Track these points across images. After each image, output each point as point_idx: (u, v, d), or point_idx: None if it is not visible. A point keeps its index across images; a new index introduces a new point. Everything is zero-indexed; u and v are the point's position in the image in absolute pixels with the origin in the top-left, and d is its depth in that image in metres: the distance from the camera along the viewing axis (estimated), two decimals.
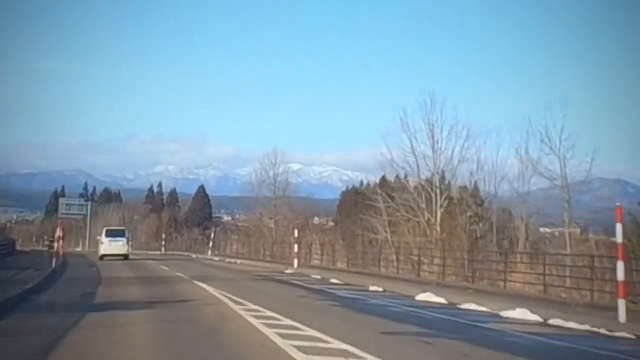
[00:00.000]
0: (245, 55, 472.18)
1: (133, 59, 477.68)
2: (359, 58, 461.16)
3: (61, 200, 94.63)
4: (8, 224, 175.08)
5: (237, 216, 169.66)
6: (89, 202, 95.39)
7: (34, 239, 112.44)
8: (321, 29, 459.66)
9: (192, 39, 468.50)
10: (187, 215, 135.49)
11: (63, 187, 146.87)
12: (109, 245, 39.36)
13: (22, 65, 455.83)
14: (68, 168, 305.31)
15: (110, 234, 40.47)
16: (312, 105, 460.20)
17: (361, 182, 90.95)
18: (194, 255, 49.71)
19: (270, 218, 59.53)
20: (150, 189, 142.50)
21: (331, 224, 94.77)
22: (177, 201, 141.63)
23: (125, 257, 38.96)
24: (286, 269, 31.04)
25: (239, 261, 38.16)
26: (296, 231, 37.20)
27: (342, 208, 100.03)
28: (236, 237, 66.76)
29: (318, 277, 26.32)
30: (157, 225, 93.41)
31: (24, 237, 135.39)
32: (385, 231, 38.78)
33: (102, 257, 38.53)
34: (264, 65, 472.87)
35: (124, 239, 40.50)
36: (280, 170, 59.58)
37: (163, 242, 64.45)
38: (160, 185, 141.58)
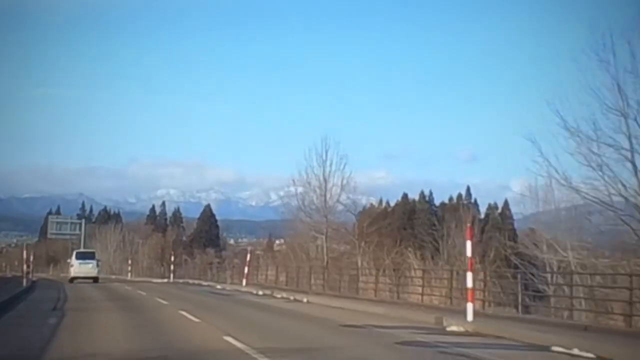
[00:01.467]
0: (242, 78, 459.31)
1: (133, 84, 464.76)
2: (362, 80, 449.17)
3: (50, 218, 79.62)
4: (7, 248, 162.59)
5: (242, 239, 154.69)
6: (83, 221, 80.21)
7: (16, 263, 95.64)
8: (322, 51, 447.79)
9: (193, 64, 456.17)
10: (192, 237, 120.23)
11: (59, 208, 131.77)
12: (78, 267, 37.38)
13: (23, 91, 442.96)
14: (69, 192, 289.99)
15: (80, 256, 38.36)
16: (314, 128, 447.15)
17: None
18: (218, 287, 34.73)
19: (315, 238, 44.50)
20: (152, 210, 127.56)
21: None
22: (182, 222, 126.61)
23: (95, 279, 36.66)
24: (442, 322, 15.31)
25: (305, 299, 23.10)
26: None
27: None
28: (260, 261, 51.76)
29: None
30: (161, 246, 78.22)
31: (19, 262, 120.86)
32: None
33: (72, 279, 36.31)
34: (263, 88, 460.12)
35: (94, 262, 38.50)
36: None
37: (171, 267, 49.00)
38: (163, 204, 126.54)
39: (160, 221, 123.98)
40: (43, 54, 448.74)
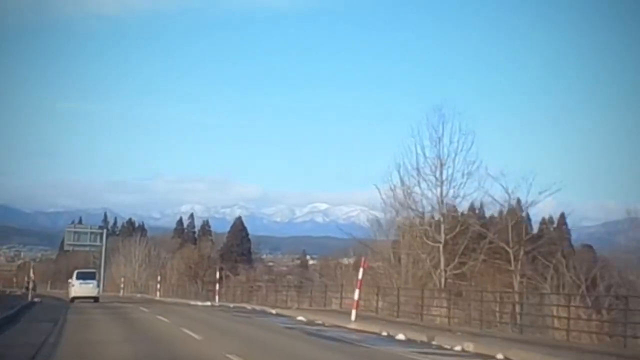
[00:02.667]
0: (269, 95, 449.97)
1: (158, 99, 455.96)
2: (386, 98, 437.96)
3: (68, 228, 67.97)
4: (32, 262, 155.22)
5: (266, 255, 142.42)
6: (104, 231, 68.60)
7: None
8: (344, 64, 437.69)
9: (219, 80, 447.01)
10: (221, 251, 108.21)
11: (80, 219, 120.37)
12: (79, 288, 36.03)
13: (48, 106, 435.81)
14: (94, 207, 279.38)
15: (81, 276, 37.24)
16: (338, 144, 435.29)
17: None
18: (318, 322, 21.86)
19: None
20: (180, 222, 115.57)
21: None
22: (211, 235, 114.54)
23: (95, 299, 35.42)
24: None
25: (499, 354, 10.80)
26: None
27: None
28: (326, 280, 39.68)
29: None
30: (194, 260, 66.14)
31: (39, 278, 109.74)
32: None
33: (73, 299, 35.21)
34: (289, 104, 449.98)
35: (95, 282, 37.57)
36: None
37: (217, 287, 37.00)
38: (191, 217, 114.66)
39: (188, 234, 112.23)
40: (68, 68, 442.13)
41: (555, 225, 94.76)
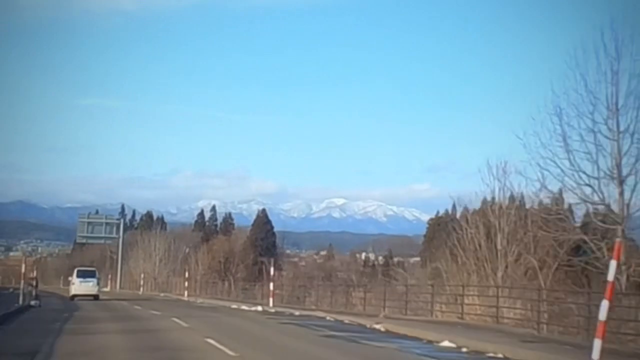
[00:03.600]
0: (286, 91, 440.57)
1: (176, 96, 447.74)
2: (405, 93, 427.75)
3: (80, 219, 58.98)
4: (49, 258, 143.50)
5: (288, 250, 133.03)
6: (121, 222, 59.65)
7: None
8: (365, 64, 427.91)
9: (236, 76, 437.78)
10: (244, 246, 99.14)
11: (97, 212, 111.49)
12: (79, 286, 35.45)
13: (68, 102, 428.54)
14: (111, 202, 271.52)
15: (81, 274, 36.43)
16: (357, 141, 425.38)
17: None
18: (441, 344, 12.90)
19: None
20: (200, 215, 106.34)
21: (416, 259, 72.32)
22: (233, 228, 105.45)
23: (95, 297, 34.82)
24: None
25: None
26: None
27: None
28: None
29: None
30: (225, 253, 57.08)
31: (53, 273, 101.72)
32: None
33: (73, 297, 34.84)
34: (307, 102, 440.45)
35: (95, 280, 36.27)
36: None
37: (271, 286, 27.55)
38: (214, 209, 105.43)
39: (209, 228, 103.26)
40: (87, 65, 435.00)
41: None
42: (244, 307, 26.89)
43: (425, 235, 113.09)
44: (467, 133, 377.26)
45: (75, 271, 38.34)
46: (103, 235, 57.80)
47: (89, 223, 57.46)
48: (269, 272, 45.61)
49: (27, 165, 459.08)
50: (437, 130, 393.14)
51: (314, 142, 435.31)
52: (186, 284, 38.56)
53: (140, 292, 48.51)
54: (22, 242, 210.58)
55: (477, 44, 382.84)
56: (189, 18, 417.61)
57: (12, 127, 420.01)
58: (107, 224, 57.90)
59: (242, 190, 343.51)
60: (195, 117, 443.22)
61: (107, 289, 61.35)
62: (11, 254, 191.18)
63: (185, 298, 36.22)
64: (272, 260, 34.48)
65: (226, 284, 47.50)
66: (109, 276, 64.21)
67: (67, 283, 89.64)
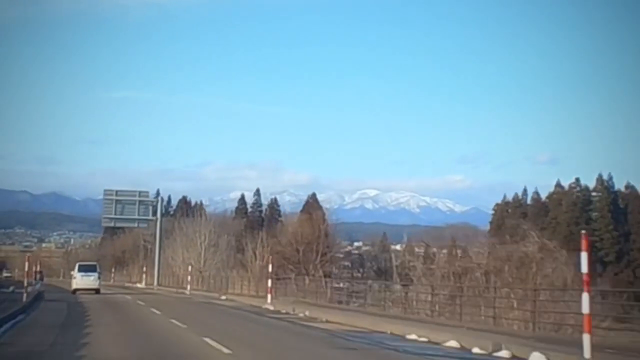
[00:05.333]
0: (321, 83, 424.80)
1: (209, 88, 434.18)
2: (438, 85, 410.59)
3: (106, 195, 44.09)
4: (81, 249, 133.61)
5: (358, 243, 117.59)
6: (159, 199, 44.94)
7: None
8: (397, 55, 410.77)
9: (270, 68, 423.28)
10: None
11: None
12: (81, 280, 34.24)
13: (101, 94, 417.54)
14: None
15: (83, 269, 35.38)
16: (390, 132, 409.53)
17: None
18: None
19: None
20: (242, 200, 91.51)
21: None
22: (280, 216, 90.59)
23: (96, 291, 33.53)
24: None
25: None
26: None
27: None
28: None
29: None
30: (306, 237, 42.24)
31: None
32: None
33: (75, 291, 33.82)
34: (340, 93, 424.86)
35: (96, 274, 34.86)
36: None
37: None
38: (257, 193, 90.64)
39: (254, 214, 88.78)
40: (120, 58, 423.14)
41: None
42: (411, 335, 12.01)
43: (491, 222, 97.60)
44: (501, 124, 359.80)
45: (77, 266, 37.00)
46: (136, 217, 43.37)
47: (117, 202, 42.97)
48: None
49: (60, 157, 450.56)
50: (469, 121, 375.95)
51: (347, 133, 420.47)
52: (269, 284, 23.05)
53: (187, 292, 33.76)
54: (55, 233, 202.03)
55: (507, 35, 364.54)
56: (221, 10, 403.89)
57: (46, 120, 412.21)
58: (140, 203, 43.42)
59: (274, 182, 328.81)
60: (227, 109, 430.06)
61: (141, 284, 46.77)
62: (44, 245, 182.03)
63: (271, 306, 21.25)
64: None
65: (306, 281, 32.56)
66: (144, 269, 49.73)
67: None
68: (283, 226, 48.25)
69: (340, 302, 25.41)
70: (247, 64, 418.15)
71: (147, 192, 44.11)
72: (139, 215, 43.39)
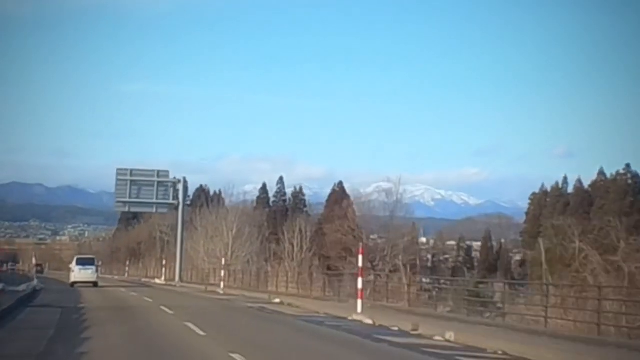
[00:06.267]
0: (334, 74, 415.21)
1: (223, 80, 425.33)
2: (454, 78, 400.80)
3: (120, 175, 36.20)
4: (96, 242, 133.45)
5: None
6: (181, 181, 37.22)
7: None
8: (412, 47, 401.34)
9: (284, 61, 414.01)
10: (319, 226, 76.48)
11: None
12: (79, 273, 33.24)
13: (115, 88, 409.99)
14: None
15: (81, 262, 34.47)
16: (405, 124, 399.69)
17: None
18: None
19: None
20: (263, 189, 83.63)
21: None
22: (305, 206, 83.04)
23: (94, 284, 32.34)
24: None
25: None
26: None
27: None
28: None
29: None
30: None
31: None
32: None
33: (73, 284, 32.77)
34: (356, 85, 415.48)
35: (94, 267, 34.09)
36: None
37: None
38: (281, 181, 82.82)
39: (277, 204, 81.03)
40: (134, 51, 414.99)
41: None
42: None
43: (527, 213, 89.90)
44: (517, 117, 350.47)
45: (75, 259, 36.15)
46: (154, 201, 35.77)
47: (132, 183, 35.40)
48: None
49: (75, 150, 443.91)
50: (485, 114, 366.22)
51: (361, 126, 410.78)
52: (359, 284, 14.84)
53: (221, 291, 25.96)
54: (69, 226, 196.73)
55: (523, 26, 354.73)
56: (231, 0, 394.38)
57: (61, 113, 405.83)
58: (159, 184, 35.83)
59: (290, 175, 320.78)
60: (241, 101, 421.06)
61: (161, 280, 39.22)
62: (58, 238, 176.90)
63: (367, 319, 13.31)
64: None
65: (371, 277, 24.86)
66: (164, 262, 42.19)
67: (109, 270, 68.57)
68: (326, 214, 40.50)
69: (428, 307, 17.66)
70: (259, 55, 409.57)
71: (167, 171, 36.43)
72: (157, 199, 35.81)
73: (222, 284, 26.69)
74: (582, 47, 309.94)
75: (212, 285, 31.83)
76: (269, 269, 37.38)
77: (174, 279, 38.41)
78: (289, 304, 18.50)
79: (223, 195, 62.48)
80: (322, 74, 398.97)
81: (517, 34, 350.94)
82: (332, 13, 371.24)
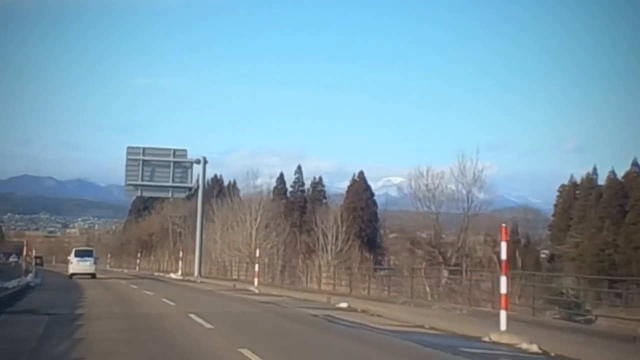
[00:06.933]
0: (342, 68, 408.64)
1: (233, 74, 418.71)
2: (465, 72, 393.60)
3: (130, 154, 30.80)
4: (105, 235, 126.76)
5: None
6: (202, 161, 31.82)
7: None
8: (421, 42, 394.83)
9: (292, 53, 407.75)
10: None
11: None
12: (77, 265, 32.58)
13: (126, 81, 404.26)
14: None
15: (79, 254, 33.84)
16: (415, 118, 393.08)
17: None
18: None
19: None
20: (280, 179, 78.12)
21: None
22: (325, 197, 77.66)
23: (92, 276, 31.75)
24: None
25: None
26: None
27: None
28: None
29: None
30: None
31: (104, 250, 74.90)
32: None
33: (72, 275, 32.31)
34: (365, 79, 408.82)
35: (92, 259, 33.23)
36: None
37: None
38: (299, 170, 77.51)
39: (296, 195, 75.80)
40: (145, 44, 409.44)
41: None
42: None
43: (555, 205, 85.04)
44: (524, 111, 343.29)
45: (73, 251, 34.63)
46: (169, 184, 30.46)
47: (145, 163, 30.09)
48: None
49: (85, 144, 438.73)
50: (495, 108, 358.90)
51: (371, 120, 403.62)
52: (502, 288, 10.03)
53: (255, 289, 20.57)
54: (79, 219, 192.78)
55: (532, 20, 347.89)
56: None
57: (71, 106, 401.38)
58: (176, 165, 30.56)
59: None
60: (250, 95, 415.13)
61: (176, 275, 33.89)
62: (68, 230, 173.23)
63: (532, 345, 8.26)
64: None
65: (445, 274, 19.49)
66: (180, 254, 36.86)
67: (118, 263, 63.66)
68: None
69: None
70: (269, 49, 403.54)
71: (185, 150, 31.07)
72: (173, 182, 30.52)
73: (256, 280, 21.32)
74: (594, 40, 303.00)
75: (236, 280, 26.59)
76: (299, 262, 32.17)
77: (192, 274, 33.20)
78: (363, 311, 13.15)
79: (238, 185, 57.47)
80: (332, 68, 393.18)
81: (527, 27, 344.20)
82: (343, 9, 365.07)
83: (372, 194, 77.27)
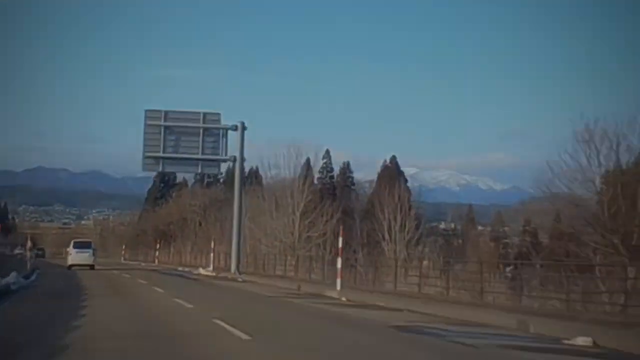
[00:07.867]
0: (356, 60, 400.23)
1: (243, 65, 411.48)
2: (476, 61, 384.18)
3: (149, 118, 23.64)
4: (120, 227, 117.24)
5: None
6: (238, 130, 24.52)
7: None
8: (435, 31, 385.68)
9: (306, 44, 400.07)
10: (369, 206, 63.65)
11: None
12: (76, 256, 32.38)
13: (139, 73, 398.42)
14: None
15: (78, 245, 33.90)
16: (430, 109, 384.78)
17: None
18: None
19: None
20: (307, 164, 70.48)
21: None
22: (353, 184, 70.66)
23: (91, 267, 31.21)
24: None
25: None
26: None
27: None
28: None
29: None
30: None
31: (117, 242, 72.96)
32: None
33: (70, 266, 32.12)
34: (379, 70, 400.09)
35: (90, 250, 32.85)
36: None
37: None
38: (327, 154, 70.09)
39: (324, 181, 68.49)
40: (160, 35, 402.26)
41: None
42: None
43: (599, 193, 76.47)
44: (546, 98, 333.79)
45: (72, 242, 35.10)
46: (199, 156, 23.33)
47: (167, 130, 22.98)
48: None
49: (100, 135, 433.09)
50: (511, 98, 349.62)
51: (386, 111, 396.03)
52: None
53: (340, 295, 13.47)
54: (94, 211, 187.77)
55: (545, 9, 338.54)
56: None
57: (87, 98, 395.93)
58: (206, 133, 23.44)
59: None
60: (263, 86, 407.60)
61: (207, 270, 26.77)
62: (82, 222, 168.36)
63: None
64: None
65: None
66: (212, 245, 29.63)
67: (135, 255, 57.25)
68: None
69: None
70: (283, 40, 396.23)
71: (218, 113, 23.84)
72: (203, 153, 23.48)
73: (338, 282, 14.19)
74: (609, 30, 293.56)
75: (282, 277, 19.55)
76: (360, 255, 25.09)
77: (222, 268, 26.28)
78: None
79: (260, 171, 50.77)
80: (344, 59, 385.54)
81: (543, 15, 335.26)
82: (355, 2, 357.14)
83: (406, 180, 70.07)
